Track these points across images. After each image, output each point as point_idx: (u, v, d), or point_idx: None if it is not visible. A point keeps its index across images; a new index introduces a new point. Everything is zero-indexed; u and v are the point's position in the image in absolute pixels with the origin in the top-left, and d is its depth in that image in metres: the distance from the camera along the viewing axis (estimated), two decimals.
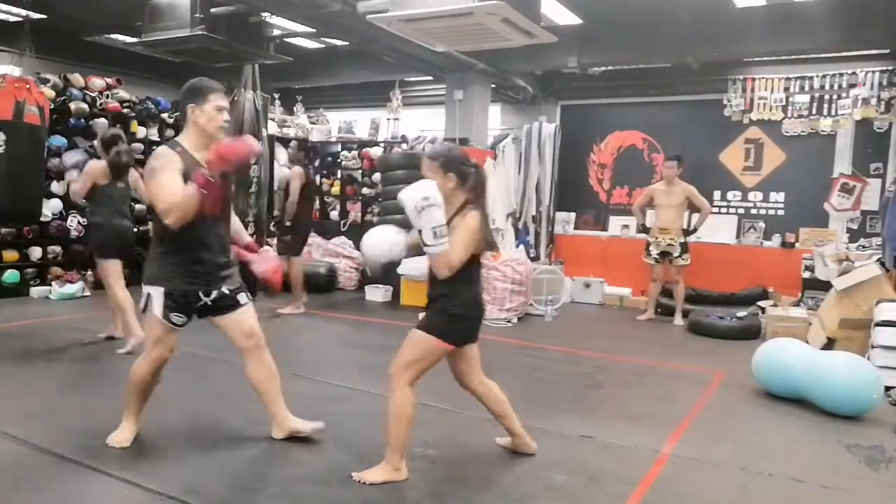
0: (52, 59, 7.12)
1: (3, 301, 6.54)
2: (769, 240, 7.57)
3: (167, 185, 2.74)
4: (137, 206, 5.07)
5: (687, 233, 6.76)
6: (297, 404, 3.81)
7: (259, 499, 2.64)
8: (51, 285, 6.94)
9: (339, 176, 9.37)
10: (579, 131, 8.70)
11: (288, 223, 6.62)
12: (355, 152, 9.27)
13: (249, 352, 3.12)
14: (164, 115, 8.38)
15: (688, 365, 5.09)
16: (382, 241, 2.88)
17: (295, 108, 10.02)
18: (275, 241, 6.97)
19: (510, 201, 8.30)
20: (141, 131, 8.02)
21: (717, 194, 7.85)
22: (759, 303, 6.89)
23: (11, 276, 6.82)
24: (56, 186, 7.04)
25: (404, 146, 8.59)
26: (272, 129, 8.79)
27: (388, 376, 2.83)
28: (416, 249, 2.89)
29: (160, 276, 2.91)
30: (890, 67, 7.00)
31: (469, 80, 7.66)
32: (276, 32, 6.58)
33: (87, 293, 6.98)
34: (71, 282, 6.94)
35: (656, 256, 6.78)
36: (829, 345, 5.01)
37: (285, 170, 9.60)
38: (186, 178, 2.76)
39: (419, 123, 9.06)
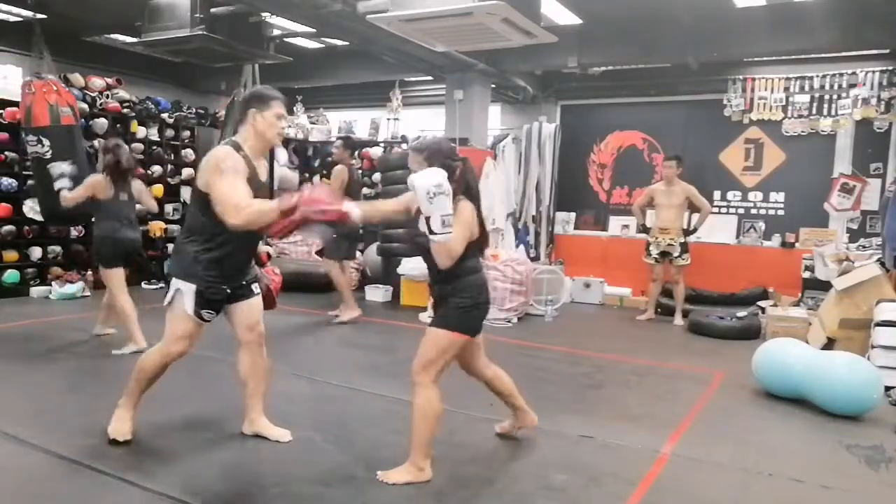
0: (53, 59, 7.11)
1: (3, 301, 6.54)
2: (769, 240, 7.57)
3: (237, 189, 2.74)
4: (137, 207, 5.10)
5: (687, 233, 6.75)
6: (297, 404, 3.82)
7: (259, 499, 2.64)
8: (51, 285, 6.94)
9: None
10: (579, 131, 8.70)
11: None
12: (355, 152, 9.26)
13: (249, 345, 3.15)
14: (164, 116, 8.39)
15: (688, 365, 5.09)
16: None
17: (295, 108, 10.03)
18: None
19: (510, 201, 8.30)
20: (141, 131, 8.02)
21: (717, 194, 7.85)
22: (759, 303, 6.88)
23: (11, 276, 6.82)
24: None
25: (404, 146, 8.59)
26: None
27: (412, 377, 2.83)
28: (392, 218, 3.06)
29: (193, 274, 2.88)
30: (890, 67, 6.99)
31: (469, 80, 7.66)
32: (276, 32, 6.59)
33: (87, 293, 6.98)
34: (71, 282, 6.94)
35: (656, 256, 6.78)
36: (829, 345, 5.01)
37: (285, 170, 9.66)
38: (248, 178, 2.83)
39: (419, 123, 9.06)
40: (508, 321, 6.48)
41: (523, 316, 6.77)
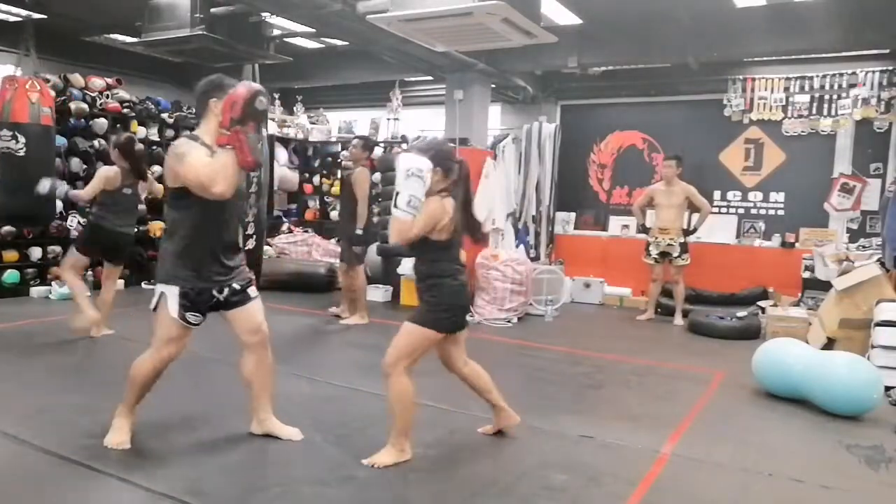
0: (52, 59, 7.12)
1: (3, 301, 6.54)
2: (769, 240, 7.57)
3: (200, 160, 2.75)
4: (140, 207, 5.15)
5: (687, 233, 6.75)
6: (297, 404, 3.82)
7: (259, 499, 2.64)
8: (51, 285, 6.94)
9: (339, 176, 9.36)
10: (579, 131, 8.70)
11: (360, 231, 5.99)
12: None
13: (253, 347, 3.14)
14: (164, 115, 8.38)
15: (688, 365, 5.09)
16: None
17: (295, 108, 10.03)
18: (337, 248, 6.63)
19: (510, 201, 8.30)
20: (141, 131, 8.01)
21: (717, 194, 7.85)
22: (759, 303, 6.88)
23: (11, 276, 6.82)
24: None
25: (404, 146, 8.58)
26: (272, 129, 8.81)
27: (383, 368, 3.01)
28: None
29: (175, 276, 2.89)
30: (890, 67, 7.00)
31: (469, 80, 7.66)
32: (276, 32, 6.59)
33: (87, 293, 6.95)
34: None
35: (656, 256, 6.78)
36: (829, 345, 5.01)
37: (285, 170, 9.67)
38: None
39: (419, 123, 9.06)
40: (508, 321, 6.48)
41: (523, 316, 6.77)
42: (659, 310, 7.07)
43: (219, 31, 5.45)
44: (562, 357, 5.31)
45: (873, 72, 7.08)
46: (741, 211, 7.84)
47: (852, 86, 7.19)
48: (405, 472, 2.92)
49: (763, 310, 6.53)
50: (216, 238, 2.95)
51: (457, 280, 3.04)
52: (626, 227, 8.29)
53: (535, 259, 8.08)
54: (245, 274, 3.10)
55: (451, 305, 3.01)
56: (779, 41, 6.37)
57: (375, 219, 7.97)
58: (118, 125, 7.71)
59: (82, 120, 7.28)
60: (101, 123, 7.43)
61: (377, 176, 8.49)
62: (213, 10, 5.40)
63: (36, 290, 6.91)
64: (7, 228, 6.80)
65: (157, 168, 8.24)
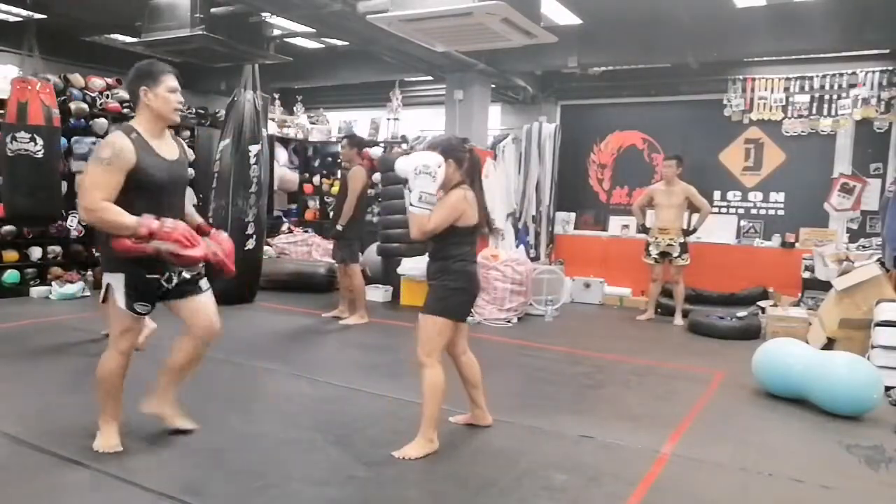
0: (53, 59, 7.12)
1: (3, 301, 6.53)
2: (769, 240, 7.57)
3: (104, 188, 2.65)
4: None
5: (687, 233, 6.75)
6: (297, 404, 3.83)
7: (259, 499, 2.64)
8: (51, 285, 6.94)
9: (339, 176, 9.36)
10: (579, 131, 8.70)
11: (340, 227, 6.02)
12: None
13: (196, 338, 3.03)
14: None
15: (688, 365, 5.09)
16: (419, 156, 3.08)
17: (295, 108, 10.04)
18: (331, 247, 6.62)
19: (510, 201, 8.31)
20: None
21: (717, 194, 7.86)
22: (759, 303, 6.88)
23: (11, 276, 6.82)
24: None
25: (404, 146, 8.58)
26: (272, 129, 8.81)
27: (418, 359, 3.12)
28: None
29: (119, 263, 2.78)
30: (890, 67, 7.00)
31: (469, 80, 7.66)
32: (276, 32, 6.59)
33: (87, 293, 6.97)
34: (71, 282, 6.94)
35: (656, 256, 6.78)
36: (829, 345, 5.01)
37: (285, 170, 9.67)
38: (137, 168, 2.72)
39: (419, 123, 9.07)
40: (508, 321, 6.48)
41: (523, 316, 6.76)
42: (659, 310, 7.07)
43: (219, 31, 5.46)
44: (562, 357, 5.31)
45: (873, 72, 7.08)
46: (741, 211, 7.84)
47: (852, 86, 7.19)
48: (405, 472, 2.92)
49: (763, 310, 6.53)
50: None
51: (475, 265, 3.22)
52: (626, 227, 8.29)
53: (535, 259, 8.08)
54: (197, 266, 2.99)
55: (467, 289, 3.16)
56: (779, 41, 6.37)
57: (375, 218, 7.99)
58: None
59: (82, 120, 7.28)
60: (101, 123, 7.42)
61: (377, 176, 8.51)
62: (213, 10, 5.40)
63: (36, 290, 6.90)
64: (7, 228, 6.80)
65: None
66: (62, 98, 7.09)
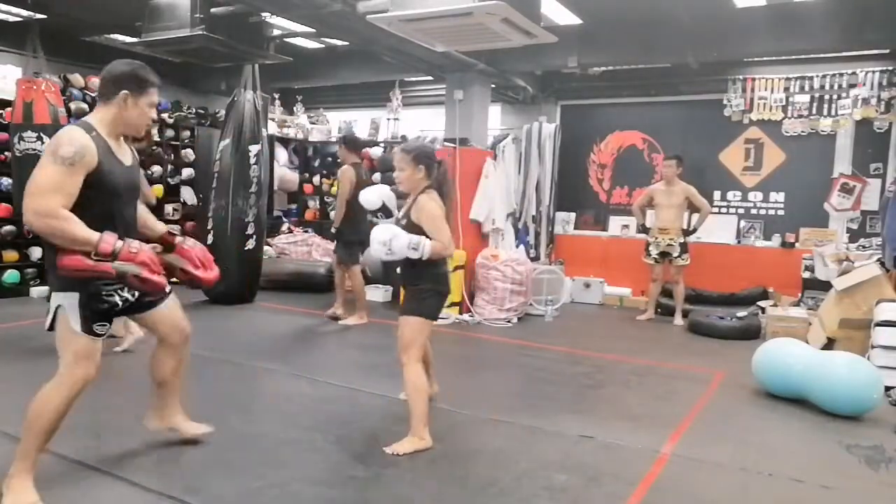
0: (52, 59, 7.11)
1: (3, 301, 6.53)
2: (769, 240, 7.57)
3: (63, 193, 2.31)
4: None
5: (687, 233, 6.75)
6: (297, 404, 3.83)
7: (259, 499, 2.64)
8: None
9: (339, 176, 9.35)
10: (579, 131, 8.70)
11: (334, 230, 6.18)
12: None
13: (175, 345, 2.87)
14: (164, 116, 8.39)
15: (688, 365, 5.09)
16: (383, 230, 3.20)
17: (295, 108, 10.03)
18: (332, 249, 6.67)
19: (510, 201, 8.30)
20: None
21: (717, 194, 7.85)
22: (759, 303, 6.88)
23: (11, 276, 6.82)
24: None
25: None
26: (272, 129, 8.81)
27: (399, 358, 3.23)
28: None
29: (72, 282, 2.41)
30: (890, 67, 6.99)
31: (469, 80, 7.66)
32: (276, 32, 6.58)
33: None
34: None
35: (656, 256, 6.78)
36: (829, 345, 5.01)
37: (285, 170, 9.67)
38: (98, 171, 2.42)
39: (419, 123, 9.06)
40: (508, 321, 6.47)
41: (523, 316, 6.76)
42: (659, 310, 7.07)
43: (219, 31, 5.46)
44: (562, 357, 5.31)
45: (873, 72, 7.07)
46: (741, 211, 7.84)
47: (852, 86, 7.18)
48: (405, 472, 2.92)
49: (763, 310, 6.53)
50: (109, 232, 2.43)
51: (445, 266, 3.36)
52: (626, 227, 8.29)
53: (535, 259, 8.07)
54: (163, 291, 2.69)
55: (442, 291, 3.33)
56: (779, 41, 6.37)
57: (376, 219, 7.98)
58: None
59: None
60: None
61: (377, 176, 8.51)
62: (213, 10, 5.40)
63: (36, 290, 6.91)
64: (7, 228, 6.80)
65: (156, 168, 8.28)
66: (62, 98, 7.09)
